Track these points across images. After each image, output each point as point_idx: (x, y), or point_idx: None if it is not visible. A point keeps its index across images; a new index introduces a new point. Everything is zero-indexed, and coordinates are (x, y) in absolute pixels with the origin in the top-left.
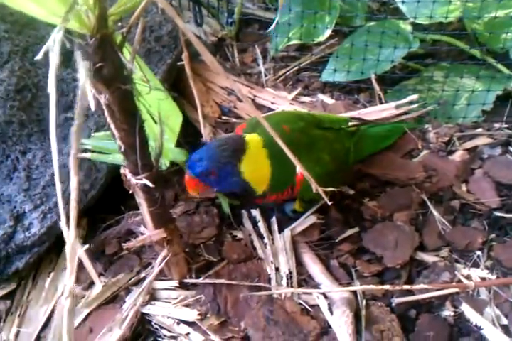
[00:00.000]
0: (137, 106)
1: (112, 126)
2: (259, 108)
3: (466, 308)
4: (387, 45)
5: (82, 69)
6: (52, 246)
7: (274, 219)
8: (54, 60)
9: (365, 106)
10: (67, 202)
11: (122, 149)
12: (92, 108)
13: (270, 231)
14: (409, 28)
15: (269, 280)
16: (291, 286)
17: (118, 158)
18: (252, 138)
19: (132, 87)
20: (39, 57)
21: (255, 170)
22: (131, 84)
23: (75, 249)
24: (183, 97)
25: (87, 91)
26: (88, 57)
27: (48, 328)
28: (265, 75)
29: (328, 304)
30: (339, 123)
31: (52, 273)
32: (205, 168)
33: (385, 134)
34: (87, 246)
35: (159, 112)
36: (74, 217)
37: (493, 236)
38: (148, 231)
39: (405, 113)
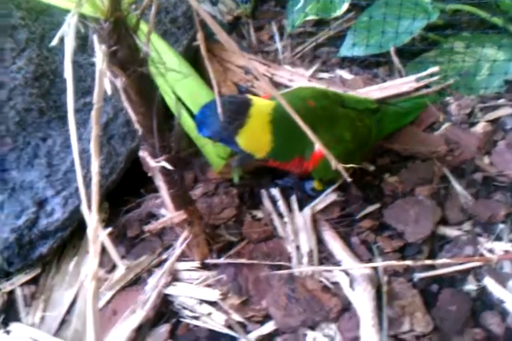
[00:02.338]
0: (154, 89)
1: (129, 110)
2: (276, 86)
3: (489, 282)
4: (406, 17)
5: (99, 53)
6: (75, 230)
7: (293, 198)
8: (69, 45)
9: (385, 81)
10: (88, 187)
11: (140, 132)
12: (109, 92)
13: (290, 209)
14: None
15: (289, 259)
16: (312, 264)
17: None
18: (259, 105)
19: (148, 70)
20: (54, 43)
21: (252, 141)
22: (147, 67)
23: (97, 233)
24: (201, 78)
25: (104, 75)
26: (103, 40)
27: (72, 312)
28: (282, 53)
29: (350, 281)
30: (364, 103)
31: (75, 258)
32: (206, 134)
33: (406, 111)
34: (109, 229)
35: (178, 92)
36: (95, 201)
37: None
38: (169, 213)
39: (426, 86)
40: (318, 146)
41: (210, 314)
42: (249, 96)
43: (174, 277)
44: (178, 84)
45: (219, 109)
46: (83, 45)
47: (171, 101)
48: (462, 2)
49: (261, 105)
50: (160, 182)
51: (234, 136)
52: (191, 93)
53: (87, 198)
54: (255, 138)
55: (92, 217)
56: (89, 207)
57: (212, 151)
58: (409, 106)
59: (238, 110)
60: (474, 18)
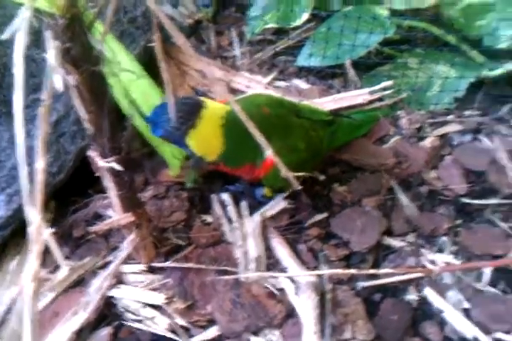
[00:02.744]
0: (107, 88)
1: (80, 108)
2: (233, 92)
3: (429, 292)
4: (364, 31)
5: (52, 50)
6: (19, 229)
7: (244, 204)
8: (21, 40)
9: (340, 92)
10: (33, 185)
11: (90, 131)
12: (60, 89)
13: (240, 215)
14: (385, 13)
15: (236, 265)
16: (259, 270)
17: None
18: (213, 107)
19: (102, 69)
20: (5, 36)
21: (202, 143)
22: (101, 66)
23: (39, 232)
24: (158, 81)
25: (56, 71)
26: (57, 37)
27: (11, 312)
28: (241, 59)
29: (295, 288)
30: (318, 114)
31: (18, 256)
32: (159, 134)
33: (359, 123)
34: (52, 229)
35: (131, 93)
36: (39, 200)
37: (459, 222)
38: (116, 215)
39: (380, 99)
40: (269, 154)
41: (153, 318)
42: (203, 98)
43: (119, 279)
44: (131, 85)
45: (171, 109)
46: (37, 39)
47: (123, 101)
48: (418, 19)
49: (214, 108)
50: (109, 183)
51: (185, 137)
52: (143, 94)
53: (31, 196)
54: (206, 141)
55: (34, 216)
56: (33, 205)
57: (169, 152)
58: (362, 119)
59: (190, 111)
60: (429, 35)
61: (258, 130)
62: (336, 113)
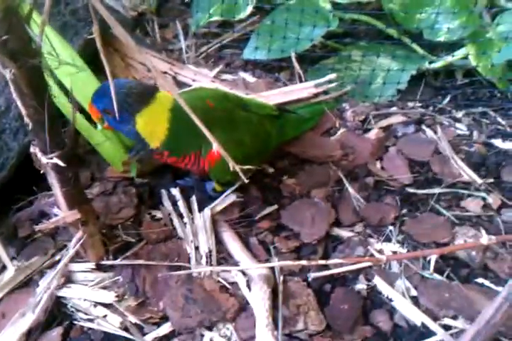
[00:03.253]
0: (46, 82)
1: (19, 103)
2: (180, 85)
3: (378, 281)
4: (307, 24)
5: None
6: None
7: (193, 198)
8: None
9: (286, 85)
10: None
11: (30, 127)
12: None
13: (190, 210)
14: (328, 6)
15: (188, 260)
16: (211, 265)
17: None
18: (165, 95)
19: (40, 62)
20: None
21: (150, 124)
22: (40, 59)
23: None
24: (102, 73)
25: None
26: None
27: None
28: (186, 52)
29: (247, 281)
30: (265, 109)
31: None
32: (105, 107)
33: (306, 118)
34: None
35: (71, 86)
36: None
37: (404, 211)
38: (62, 213)
39: (324, 92)
40: (215, 146)
41: (105, 316)
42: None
43: (68, 279)
44: (69, 78)
45: (113, 91)
46: None
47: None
48: (360, 12)
49: (166, 94)
50: (53, 179)
51: (134, 113)
52: (83, 87)
53: None
54: (152, 123)
55: None
56: None
57: (110, 148)
58: (309, 113)
59: (145, 91)
60: (371, 29)
61: (206, 118)
62: (282, 108)
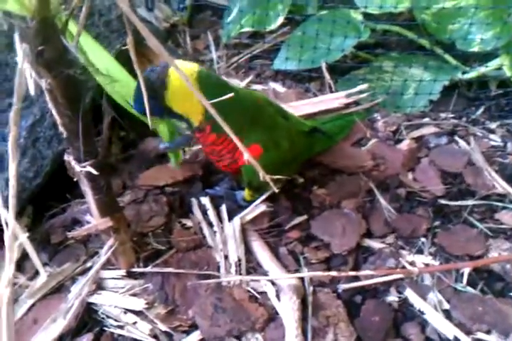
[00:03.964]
0: (81, 92)
1: (55, 112)
2: None
3: (410, 294)
4: (338, 34)
5: (21, 53)
6: None
7: (223, 207)
8: None
9: (316, 95)
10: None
11: (65, 135)
12: (32, 92)
13: (220, 219)
14: (359, 17)
15: (218, 269)
16: (240, 274)
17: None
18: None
19: (75, 72)
20: None
21: (181, 99)
22: (75, 69)
23: (13, 239)
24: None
25: (26, 75)
26: (29, 40)
27: None
28: (217, 62)
29: (276, 291)
30: (301, 125)
31: None
32: (140, 110)
33: (337, 130)
34: (27, 234)
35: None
36: (13, 205)
37: (437, 223)
38: (95, 220)
39: (355, 102)
40: (246, 156)
41: (135, 323)
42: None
43: (99, 285)
44: (116, 84)
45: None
46: (11, 43)
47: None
48: (391, 23)
49: (183, 66)
50: (86, 187)
51: (163, 100)
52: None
53: (5, 201)
54: (184, 97)
55: (9, 222)
56: (7, 210)
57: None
58: (339, 126)
59: (157, 76)
60: (403, 39)
61: (249, 113)
62: (315, 128)
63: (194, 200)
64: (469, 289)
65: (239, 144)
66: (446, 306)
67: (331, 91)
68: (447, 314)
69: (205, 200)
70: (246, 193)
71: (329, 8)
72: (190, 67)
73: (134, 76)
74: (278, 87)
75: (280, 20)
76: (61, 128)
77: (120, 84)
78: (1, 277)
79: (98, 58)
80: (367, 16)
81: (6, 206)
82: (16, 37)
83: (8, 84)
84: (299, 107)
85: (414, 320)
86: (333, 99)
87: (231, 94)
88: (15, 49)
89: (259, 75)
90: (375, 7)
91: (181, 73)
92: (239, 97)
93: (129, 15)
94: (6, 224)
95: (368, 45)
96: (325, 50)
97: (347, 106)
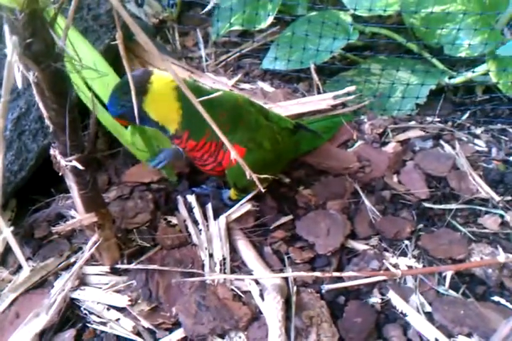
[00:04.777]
0: (68, 85)
1: (41, 105)
2: None
3: (392, 295)
4: (327, 36)
5: (10, 45)
6: None
7: (209, 206)
8: None
9: (304, 95)
10: None
11: (51, 129)
12: (19, 85)
13: (205, 217)
14: (349, 19)
15: (202, 267)
16: (224, 272)
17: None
18: (162, 74)
19: (63, 65)
20: None
21: (159, 108)
22: (63, 62)
23: None
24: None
25: (14, 67)
26: (17, 32)
27: None
28: (206, 60)
29: (260, 290)
30: (284, 122)
31: None
32: (116, 113)
33: (323, 130)
34: (12, 228)
35: (95, 89)
36: None
37: (421, 226)
38: (79, 215)
39: (343, 104)
40: (233, 154)
41: (118, 320)
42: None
43: (82, 281)
44: (96, 81)
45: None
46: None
47: (86, 98)
48: (380, 26)
49: (163, 74)
50: (71, 182)
51: (141, 105)
52: (107, 89)
53: None
54: (162, 105)
55: None
56: None
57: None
58: (325, 127)
59: (139, 80)
60: (391, 42)
61: (230, 114)
62: (300, 125)
63: (180, 198)
64: (451, 292)
65: (227, 143)
66: (429, 309)
67: (319, 92)
68: (429, 316)
69: (191, 198)
70: (232, 192)
71: (319, 10)
72: (168, 76)
73: (121, 73)
74: (266, 86)
75: (270, 19)
76: (47, 122)
77: (104, 81)
78: None
79: (84, 53)
80: (356, 18)
81: None
82: (6, 29)
83: None
84: (286, 107)
85: (397, 321)
86: (320, 100)
87: (212, 96)
88: (2, 41)
89: (247, 74)
90: (364, 10)
91: (174, 73)
92: (219, 100)
93: (119, 10)
94: None
95: (356, 47)
96: (314, 51)
97: (334, 107)
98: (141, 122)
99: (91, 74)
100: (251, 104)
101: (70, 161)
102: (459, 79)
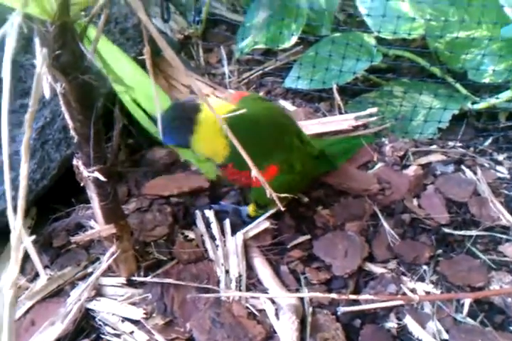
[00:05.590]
0: (95, 97)
1: (67, 116)
2: None
3: (409, 321)
4: (351, 57)
5: (40, 56)
6: None
7: (227, 221)
8: (10, 45)
9: (325, 115)
10: (16, 191)
11: (76, 140)
12: (47, 96)
13: (223, 233)
14: (373, 41)
15: (218, 283)
16: (240, 290)
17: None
18: (208, 115)
19: (91, 78)
20: None
21: (207, 145)
22: (90, 75)
23: (20, 239)
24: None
25: (43, 78)
26: (47, 44)
27: None
28: (229, 77)
29: (276, 309)
30: (312, 148)
31: None
32: (168, 142)
33: (343, 152)
34: (33, 237)
35: (133, 97)
36: (21, 206)
37: (440, 251)
38: (98, 226)
39: (364, 125)
40: (254, 173)
41: (132, 332)
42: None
43: (98, 292)
44: (138, 92)
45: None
46: (27, 45)
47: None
48: (404, 49)
49: (209, 115)
50: (92, 193)
51: (189, 142)
52: (148, 96)
53: (14, 202)
54: (209, 144)
55: (16, 223)
56: (15, 211)
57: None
58: (345, 148)
59: (187, 116)
60: (415, 66)
61: (273, 137)
62: (323, 152)
63: (198, 212)
64: (469, 320)
65: (257, 174)
66: (445, 336)
67: (340, 113)
68: None
69: (209, 213)
70: (251, 209)
71: (343, 31)
72: (219, 109)
73: None
74: (288, 105)
75: (294, 39)
76: (72, 133)
77: (143, 91)
78: (3, 278)
79: (122, 66)
80: (380, 41)
81: (13, 206)
82: (36, 40)
83: (21, 86)
84: (307, 127)
85: None
86: (342, 121)
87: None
88: (31, 51)
89: (269, 92)
90: (388, 32)
91: (198, 89)
92: (264, 121)
93: (147, 25)
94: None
95: (379, 69)
96: (336, 72)
97: (355, 128)
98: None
99: (130, 81)
100: (291, 123)
101: (93, 172)
102: (482, 105)
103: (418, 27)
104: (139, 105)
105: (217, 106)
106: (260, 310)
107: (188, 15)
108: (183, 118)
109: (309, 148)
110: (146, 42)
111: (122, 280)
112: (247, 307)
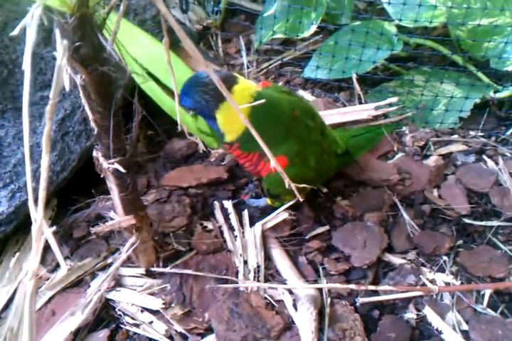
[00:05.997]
0: (114, 89)
1: (87, 108)
2: None
3: (428, 312)
4: (371, 46)
5: (60, 48)
6: (20, 225)
7: (245, 212)
8: (31, 36)
9: (345, 105)
10: (37, 182)
11: (95, 132)
12: (67, 88)
13: (241, 224)
14: (393, 29)
15: (236, 273)
16: (258, 280)
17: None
18: (244, 84)
19: (110, 69)
20: (15, 33)
21: (229, 118)
22: (110, 66)
23: (41, 230)
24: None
25: (64, 70)
26: (67, 35)
27: (9, 309)
28: (248, 67)
29: (294, 300)
30: (337, 145)
31: (17, 253)
32: (188, 105)
33: (365, 142)
34: (54, 228)
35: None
36: (42, 198)
37: (460, 242)
38: (118, 217)
39: (384, 115)
40: (272, 163)
41: (151, 322)
42: (236, 74)
43: (118, 282)
44: (153, 62)
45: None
46: (47, 37)
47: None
48: (425, 37)
49: (246, 85)
50: (111, 184)
51: (214, 109)
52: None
53: (35, 194)
54: (232, 117)
55: (37, 214)
56: (36, 203)
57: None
58: (367, 138)
59: (225, 80)
60: (436, 54)
61: (283, 126)
62: (347, 152)
63: (216, 203)
64: (489, 311)
65: (269, 155)
66: (465, 327)
67: (360, 103)
68: (465, 335)
69: (228, 204)
70: (268, 199)
71: (363, 19)
72: (251, 86)
73: None
74: (307, 95)
75: (313, 28)
76: (92, 124)
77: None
78: (25, 268)
79: (143, 44)
80: (401, 29)
81: (34, 198)
82: (57, 32)
83: (41, 78)
84: (326, 117)
85: (431, 339)
86: (361, 111)
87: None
88: (51, 43)
89: (288, 82)
90: (409, 20)
91: (217, 80)
92: (279, 111)
93: (166, 16)
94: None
95: (400, 58)
96: (356, 61)
97: (375, 118)
98: (208, 121)
99: (148, 55)
100: (313, 117)
101: (112, 164)
102: (504, 94)
103: (440, 15)
104: (161, 84)
105: (247, 85)
106: (278, 301)
107: (206, 5)
108: (214, 88)
109: (334, 146)
110: (165, 32)
111: (141, 270)
112: (265, 298)
